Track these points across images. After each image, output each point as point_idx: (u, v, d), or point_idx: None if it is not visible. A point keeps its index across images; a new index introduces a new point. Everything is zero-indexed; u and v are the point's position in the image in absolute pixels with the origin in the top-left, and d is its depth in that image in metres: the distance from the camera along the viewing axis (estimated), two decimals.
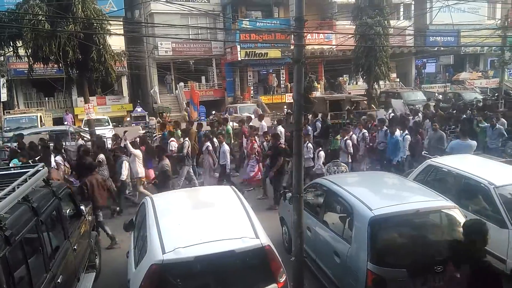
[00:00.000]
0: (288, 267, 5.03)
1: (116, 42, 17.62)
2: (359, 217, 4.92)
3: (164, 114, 21.36)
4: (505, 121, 11.75)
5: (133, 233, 5.64)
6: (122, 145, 10.37)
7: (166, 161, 8.94)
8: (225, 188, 6.15)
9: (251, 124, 12.90)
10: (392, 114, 14.63)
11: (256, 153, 10.14)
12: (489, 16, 29.74)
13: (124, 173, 9.37)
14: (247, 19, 26.60)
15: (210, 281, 4.20)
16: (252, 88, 28.19)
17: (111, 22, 15.03)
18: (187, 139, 10.79)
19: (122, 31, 20.45)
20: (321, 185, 6.40)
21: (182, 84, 27.11)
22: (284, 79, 28.78)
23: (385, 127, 10.75)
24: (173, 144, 10.95)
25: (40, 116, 19.63)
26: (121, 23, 21.86)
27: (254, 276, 4.30)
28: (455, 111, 14.91)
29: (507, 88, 25.26)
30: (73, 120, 23.21)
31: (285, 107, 23.51)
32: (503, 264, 5.51)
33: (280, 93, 27.93)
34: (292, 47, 23.26)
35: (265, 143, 10.52)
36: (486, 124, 11.51)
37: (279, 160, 9.26)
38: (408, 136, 10.07)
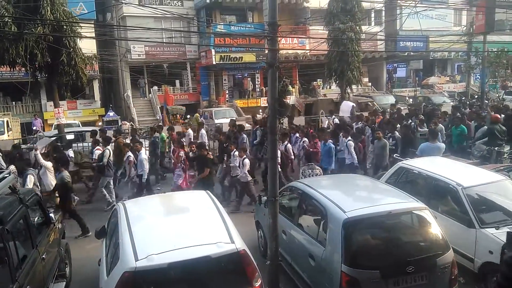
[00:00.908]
0: (264, 271, 5.04)
1: (87, 46, 17.21)
2: (333, 220, 4.97)
3: (178, 115, 20.98)
4: (443, 127, 11.66)
5: (105, 240, 5.50)
6: (32, 155, 9.56)
7: (66, 173, 8.34)
8: (199, 193, 6.09)
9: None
10: (337, 120, 14.33)
11: (182, 162, 9.66)
12: (455, 22, 30.89)
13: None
14: (222, 23, 26.58)
15: None
16: (227, 92, 28.15)
17: (81, 24, 14.73)
18: (108, 147, 10.02)
19: (93, 34, 20.03)
20: (296, 188, 6.44)
21: (156, 88, 26.78)
22: (259, 83, 28.88)
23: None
24: (97, 153, 10.13)
25: (7, 121, 18.93)
26: (92, 26, 21.42)
27: (230, 281, 4.27)
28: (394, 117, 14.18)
29: (473, 93, 26.26)
30: (42, 125, 22.49)
31: (260, 110, 23.58)
32: (471, 263, 5.71)
33: (256, 97, 28.03)
34: (266, 51, 23.20)
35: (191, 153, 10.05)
36: (425, 128, 11.43)
37: (205, 171, 8.88)
38: (351, 142, 10.04)
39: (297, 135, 11.93)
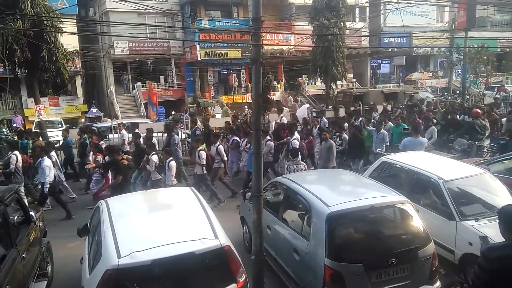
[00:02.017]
0: (248, 266, 5.04)
1: (69, 41, 16.91)
2: (317, 214, 5.00)
3: (208, 108, 20.73)
4: (392, 125, 11.62)
5: (87, 238, 5.43)
6: None
7: None
8: (183, 189, 6.06)
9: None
10: (284, 119, 13.88)
11: (100, 167, 9.39)
12: (438, 19, 31.36)
13: None
14: (207, 19, 26.41)
15: (169, 285, 4.12)
16: (212, 88, 28.04)
17: (63, 20, 14.45)
18: (15, 152, 9.37)
19: (75, 30, 19.68)
20: (280, 183, 6.45)
21: (139, 84, 26.48)
22: (244, 79, 28.84)
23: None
24: (13, 158, 9.24)
25: None
26: (74, 21, 21.03)
27: (214, 277, 4.26)
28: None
29: (455, 88, 26.72)
30: (23, 122, 22.00)
31: (245, 107, 23.57)
32: (452, 255, 5.83)
33: (241, 93, 27.97)
34: (251, 47, 23.12)
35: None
36: (372, 128, 11.38)
37: (118, 178, 8.40)
38: (270, 143, 9.98)
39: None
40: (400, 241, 5.03)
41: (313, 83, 29.55)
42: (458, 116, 12.60)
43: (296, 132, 10.82)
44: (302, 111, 15.22)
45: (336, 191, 6.03)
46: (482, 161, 8.35)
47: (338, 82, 24.43)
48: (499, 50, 32.15)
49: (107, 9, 25.00)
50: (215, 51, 26.04)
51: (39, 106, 14.32)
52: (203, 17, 26.71)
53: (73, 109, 25.50)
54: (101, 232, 4.47)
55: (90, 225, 5.46)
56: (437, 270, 5.01)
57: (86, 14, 28.50)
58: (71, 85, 25.93)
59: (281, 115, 14.58)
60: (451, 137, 11.35)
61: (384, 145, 10.54)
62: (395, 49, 31.24)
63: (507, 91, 22.58)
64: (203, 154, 9.29)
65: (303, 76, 29.48)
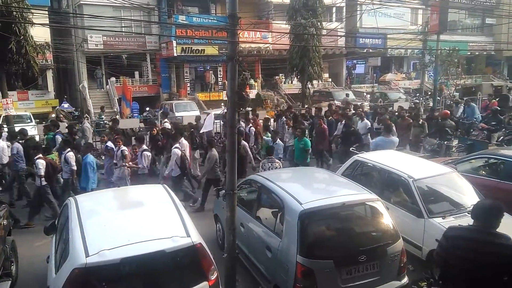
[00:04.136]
0: (221, 264, 5.03)
1: (40, 34, 16.36)
2: (289, 212, 5.03)
3: (268, 100, 20.20)
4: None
5: (55, 236, 5.28)
6: None
7: None
8: (155, 186, 5.98)
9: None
10: (167, 124, 13.06)
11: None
12: (412, 21, 32.10)
13: None
14: (184, 14, 26.11)
15: (138, 283, 4.06)
16: (188, 84, 27.75)
17: (33, 11, 13.97)
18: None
19: (47, 22, 19.05)
20: (254, 181, 6.46)
21: (113, 79, 25.91)
22: (221, 76, 28.69)
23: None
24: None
25: None
26: (46, 13, 20.36)
27: (185, 275, 4.22)
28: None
29: (427, 89, 27.42)
30: None
31: (222, 104, 23.46)
32: (419, 251, 5.99)
33: (218, 90, 27.82)
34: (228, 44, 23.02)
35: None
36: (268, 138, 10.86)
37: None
38: (147, 153, 9.05)
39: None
40: (370, 238, 5.13)
41: (290, 82, 29.73)
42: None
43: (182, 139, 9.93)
44: (209, 121, 12.77)
45: (309, 189, 6.09)
46: (450, 161, 8.61)
47: (314, 82, 24.65)
48: (469, 53, 33.19)
49: (81, 2, 24.36)
50: (192, 47, 25.76)
51: (6, 100, 13.82)
52: (179, 12, 26.39)
53: (44, 103, 24.68)
54: (69, 230, 4.35)
55: (58, 223, 5.31)
56: (405, 266, 5.14)
57: (58, 6, 27.64)
58: (42, 79, 25.10)
59: (165, 119, 13.81)
60: (421, 137, 11.65)
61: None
62: (370, 50, 31.78)
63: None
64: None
65: (280, 74, 29.60)
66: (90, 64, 25.86)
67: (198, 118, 13.53)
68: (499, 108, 14.14)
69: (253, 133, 12.11)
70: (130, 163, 9.07)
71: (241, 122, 12.30)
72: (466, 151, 10.34)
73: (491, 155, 8.19)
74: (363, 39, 30.87)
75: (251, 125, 12.40)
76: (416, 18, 33.08)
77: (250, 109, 14.62)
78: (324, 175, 6.95)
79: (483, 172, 8.00)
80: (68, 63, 26.36)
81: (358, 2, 25.80)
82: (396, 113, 13.57)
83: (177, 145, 9.36)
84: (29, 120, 18.44)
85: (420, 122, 11.65)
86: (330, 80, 31.82)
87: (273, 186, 5.76)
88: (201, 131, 12.40)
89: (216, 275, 4.35)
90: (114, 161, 9.26)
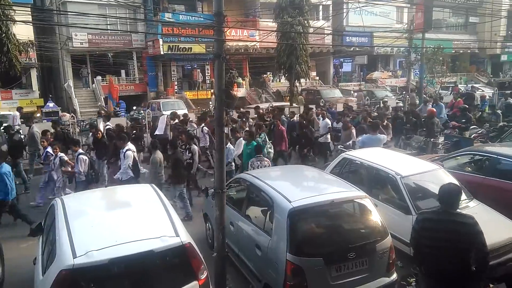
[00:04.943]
0: (211, 263, 5.01)
1: (23, 31, 16.05)
2: (279, 210, 5.04)
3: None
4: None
5: (41, 238, 5.19)
6: None
7: None
8: (143, 186, 5.93)
9: None
10: (110, 125, 12.15)
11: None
12: (398, 20, 32.44)
13: None
14: (170, 12, 25.90)
15: (127, 284, 4.03)
16: (176, 83, 27.57)
17: (15, 8, 13.71)
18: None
19: (30, 19, 18.69)
20: (244, 179, 6.45)
21: (99, 78, 25.60)
22: (209, 74, 28.58)
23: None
24: None
25: None
26: (29, 10, 19.98)
27: (175, 275, 4.20)
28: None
29: (413, 87, 27.76)
30: None
31: (210, 102, 23.37)
32: (408, 247, 6.02)
33: (205, 88, 27.72)
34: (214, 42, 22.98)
35: None
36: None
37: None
38: (84, 157, 8.50)
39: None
40: (359, 235, 5.16)
41: (278, 80, 29.77)
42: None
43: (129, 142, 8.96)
44: (160, 125, 12.66)
45: (298, 187, 6.10)
46: (436, 158, 8.72)
47: (302, 80, 24.73)
48: (454, 51, 33.69)
49: None
50: (178, 45, 25.59)
51: None
52: (165, 10, 26.16)
53: (28, 103, 24.23)
54: (56, 231, 4.29)
55: (45, 224, 5.23)
56: (394, 262, 5.19)
57: (42, 4, 27.15)
58: (26, 78, 24.68)
59: (107, 122, 12.47)
60: (408, 136, 11.78)
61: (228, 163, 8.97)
62: (357, 48, 32.02)
63: (461, 90, 23.75)
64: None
65: (268, 73, 29.62)
66: (75, 63, 25.48)
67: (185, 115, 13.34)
68: (467, 106, 14.42)
69: (205, 132, 11.56)
70: (69, 168, 8.62)
71: (192, 124, 12.08)
72: (451, 148, 10.49)
73: (476, 152, 8.32)
74: (350, 37, 31.09)
75: (203, 124, 11.88)
76: (401, 17, 33.46)
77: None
78: (312, 173, 6.96)
79: (469, 168, 8.11)
80: (52, 61, 25.93)
81: (344, 1, 25.98)
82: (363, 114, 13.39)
83: (128, 147, 8.42)
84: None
85: (385, 123, 11.24)
86: (317, 78, 31.96)
87: (262, 184, 5.76)
88: (155, 133, 12.24)
89: (206, 274, 4.33)
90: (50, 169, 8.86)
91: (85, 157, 8.46)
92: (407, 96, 22.16)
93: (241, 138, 9.94)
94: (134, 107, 21.35)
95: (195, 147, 9.15)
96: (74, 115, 16.86)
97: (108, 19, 23.27)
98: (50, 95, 24.59)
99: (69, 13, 20.05)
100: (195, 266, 4.25)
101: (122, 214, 4.95)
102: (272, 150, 10.26)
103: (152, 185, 5.73)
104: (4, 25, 13.02)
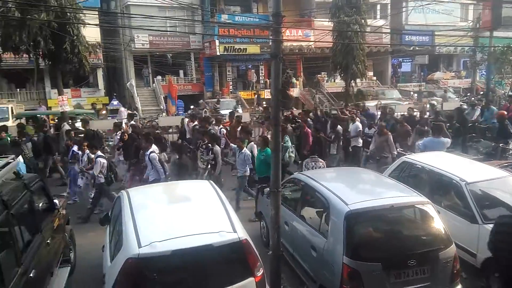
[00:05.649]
0: (266, 261, 5.05)
1: (91, 34, 17.15)
2: (335, 212, 4.98)
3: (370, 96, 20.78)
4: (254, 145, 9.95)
5: (109, 227, 5.54)
6: None
7: None
8: (202, 182, 6.11)
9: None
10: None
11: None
12: (462, 17, 30.65)
13: None
14: (226, 13, 26.45)
15: (187, 275, 4.16)
16: (231, 83, 28.11)
17: (85, 12, 14.67)
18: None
19: (97, 22, 19.96)
20: (298, 180, 6.45)
21: (159, 77, 26.73)
22: (263, 75, 28.83)
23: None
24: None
25: (12, 108, 18.93)
26: (96, 14, 21.34)
27: (231, 270, 4.29)
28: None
29: (479, 89, 26.11)
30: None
31: (264, 102, 23.55)
32: (474, 258, 5.71)
33: (259, 89, 27.97)
34: (271, 42, 23.20)
35: None
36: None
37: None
38: (101, 160, 8.44)
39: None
40: (420, 242, 4.97)
41: (332, 80, 29.31)
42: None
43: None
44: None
45: (355, 190, 5.99)
46: (506, 164, 8.14)
47: (358, 80, 24.17)
48: None
49: (128, 3, 25.29)
50: (234, 46, 26.11)
51: (62, 97, 14.58)
52: (222, 11, 26.75)
53: (95, 101, 25.88)
54: (122, 222, 4.55)
55: (111, 214, 5.57)
56: (458, 273, 4.92)
57: (107, 7, 28.86)
58: (93, 77, 26.38)
59: (131, 121, 12.60)
60: (474, 140, 11.09)
61: (248, 168, 8.78)
62: (417, 48, 30.69)
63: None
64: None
65: (322, 73, 29.26)
66: (138, 63, 26.80)
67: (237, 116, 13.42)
68: None
69: (223, 134, 11.27)
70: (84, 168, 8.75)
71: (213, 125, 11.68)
72: None
73: None
74: (410, 36, 29.88)
75: (221, 126, 11.85)
76: (466, 14, 31.58)
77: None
78: (370, 176, 6.80)
79: None
80: (116, 62, 27.47)
81: None
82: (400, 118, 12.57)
83: (151, 149, 8.49)
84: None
85: (425, 129, 10.65)
86: (375, 78, 31.05)
87: (318, 185, 5.73)
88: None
89: (262, 271, 4.38)
90: (79, 167, 8.93)
91: (103, 160, 8.44)
92: (472, 98, 20.84)
93: (252, 143, 9.67)
94: (192, 106, 22.03)
95: (218, 148, 8.96)
96: (136, 113, 17.72)
97: (167, 21, 24.32)
98: (115, 94, 26.06)
99: (132, 15, 21.14)
100: (251, 263, 4.31)
101: (183, 208, 5.15)
102: (293, 155, 9.72)
103: (210, 181, 5.90)
104: (76, 28, 13.94)
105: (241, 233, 4.32)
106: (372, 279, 4.53)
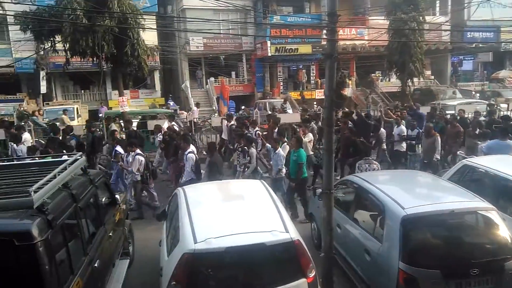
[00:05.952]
0: (317, 263, 5.01)
1: (149, 37, 17.94)
2: (391, 216, 4.84)
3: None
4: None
5: (165, 222, 5.77)
6: None
7: None
8: (255, 181, 6.19)
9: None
10: (176, 126, 12.83)
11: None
12: None
13: None
14: (279, 14, 26.51)
15: (240, 273, 4.24)
16: (281, 83, 28.13)
17: (144, 17, 15.36)
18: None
19: (155, 26, 20.84)
20: (352, 182, 6.33)
21: (212, 79, 27.36)
22: (314, 75, 28.55)
23: None
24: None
25: (77, 108, 20.34)
26: (154, 18, 22.27)
27: (283, 270, 4.30)
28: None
29: None
30: None
31: (315, 103, 23.31)
32: None
33: (310, 89, 27.74)
34: (323, 42, 23.20)
35: None
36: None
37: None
38: (139, 157, 8.60)
39: None
40: (483, 250, 4.70)
41: (387, 79, 28.37)
42: None
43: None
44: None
45: (412, 193, 5.79)
46: None
47: (415, 79, 23.21)
48: None
49: (184, 7, 26.09)
50: (285, 47, 26.08)
51: (122, 98, 15.38)
52: (274, 12, 26.84)
53: (152, 101, 27.07)
54: (179, 218, 4.72)
55: (168, 210, 5.80)
56: None
57: (164, 12, 30.02)
58: (150, 79, 27.57)
59: (172, 122, 12.95)
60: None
61: (284, 169, 8.54)
62: (480, 45, 28.85)
63: None
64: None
65: (376, 72, 28.41)
66: (192, 65, 27.63)
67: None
68: None
69: (258, 136, 11.24)
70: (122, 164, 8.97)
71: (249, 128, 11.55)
72: None
73: None
74: (472, 33, 28.15)
75: (257, 128, 11.79)
76: None
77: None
78: (427, 179, 6.53)
79: None
80: (172, 64, 28.51)
81: None
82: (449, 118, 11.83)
83: (189, 149, 8.56)
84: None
85: (477, 132, 9.96)
86: (432, 77, 29.63)
87: (372, 188, 5.59)
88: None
89: (314, 273, 4.36)
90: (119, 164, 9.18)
91: (141, 158, 8.58)
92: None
93: (285, 144, 9.44)
94: (243, 107, 22.30)
95: (253, 151, 8.91)
96: (191, 113, 18.27)
97: (221, 23, 24.83)
98: (170, 95, 27.06)
99: (187, 19, 21.83)
100: (303, 264, 4.30)
101: (236, 206, 5.26)
102: None
103: (262, 181, 5.96)
104: (136, 32, 14.64)
105: (294, 234, 4.33)
106: (430, 286, 4.34)
